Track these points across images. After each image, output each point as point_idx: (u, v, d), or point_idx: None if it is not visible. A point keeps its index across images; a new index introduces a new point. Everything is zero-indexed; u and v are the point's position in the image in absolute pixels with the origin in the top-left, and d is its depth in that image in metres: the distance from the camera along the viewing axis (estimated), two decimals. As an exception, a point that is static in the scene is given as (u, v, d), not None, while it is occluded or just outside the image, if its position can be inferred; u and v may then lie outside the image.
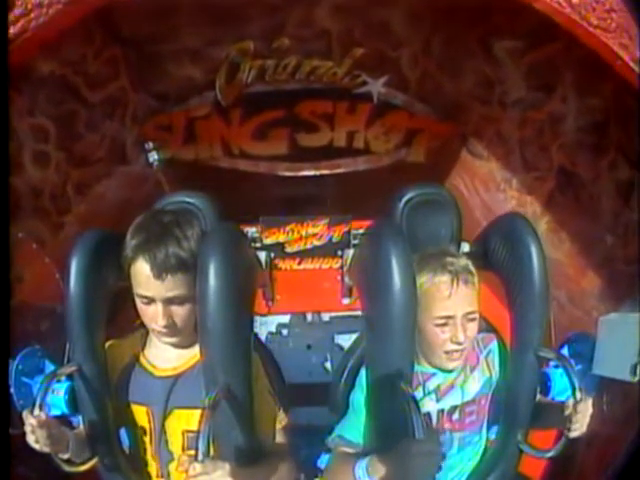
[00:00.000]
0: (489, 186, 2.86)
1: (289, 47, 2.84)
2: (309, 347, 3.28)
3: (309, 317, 3.42)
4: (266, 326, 3.37)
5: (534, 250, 1.51)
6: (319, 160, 3.39)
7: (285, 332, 3.36)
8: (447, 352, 1.52)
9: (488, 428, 1.66)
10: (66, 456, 1.40)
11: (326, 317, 3.42)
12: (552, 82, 2.31)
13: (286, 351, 3.32)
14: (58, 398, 1.48)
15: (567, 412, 1.39)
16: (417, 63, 2.84)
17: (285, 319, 3.35)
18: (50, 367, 1.60)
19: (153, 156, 3.04)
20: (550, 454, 1.53)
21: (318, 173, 3.42)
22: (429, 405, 1.57)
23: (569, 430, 1.41)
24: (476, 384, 1.62)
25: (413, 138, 3.28)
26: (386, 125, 3.26)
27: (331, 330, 3.29)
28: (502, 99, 2.62)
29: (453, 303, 1.48)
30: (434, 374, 1.59)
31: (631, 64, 1.48)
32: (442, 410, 1.59)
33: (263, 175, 3.37)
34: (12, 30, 1.43)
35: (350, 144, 3.36)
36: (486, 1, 2.19)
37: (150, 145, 3.02)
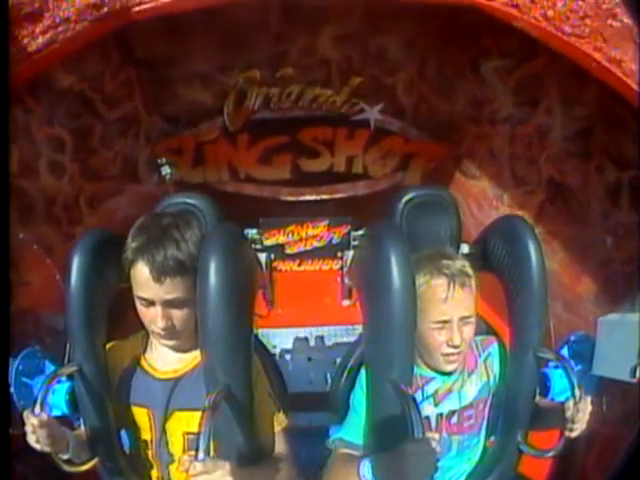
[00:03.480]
0: (482, 204, 2.83)
1: (292, 76, 2.88)
2: (310, 359, 3.14)
3: (312, 342, 3.29)
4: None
5: (533, 250, 1.45)
6: (320, 185, 3.36)
7: (288, 357, 3.22)
8: (444, 354, 1.44)
9: (487, 430, 1.56)
10: (66, 456, 1.31)
11: (329, 342, 3.28)
12: (537, 96, 2.31)
13: (287, 368, 3.17)
14: (59, 398, 1.39)
15: (568, 413, 1.31)
16: (412, 88, 2.88)
17: (288, 344, 3.21)
18: (50, 368, 1.52)
19: (166, 169, 3.02)
20: (550, 454, 1.44)
21: (318, 198, 3.38)
22: (428, 409, 1.49)
23: (569, 430, 1.32)
24: (474, 388, 1.53)
25: (409, 162, 3.28)
26: (383, 150, 3.29)
27: (333, 355, 3.15)
28: (491, 117, 2.62)
29: (449, 307, 1.40)
30: (433, 378, 1.51)
31: (606, 64, 1.47)
32: (441, 414, 1.50)
33: (266, 199, 3.32)
34: (41, 39, 1.43)
35: (349, 169, 3.38)
36: (475, 24, 2.20)
37: (163, 160, 3.01)
